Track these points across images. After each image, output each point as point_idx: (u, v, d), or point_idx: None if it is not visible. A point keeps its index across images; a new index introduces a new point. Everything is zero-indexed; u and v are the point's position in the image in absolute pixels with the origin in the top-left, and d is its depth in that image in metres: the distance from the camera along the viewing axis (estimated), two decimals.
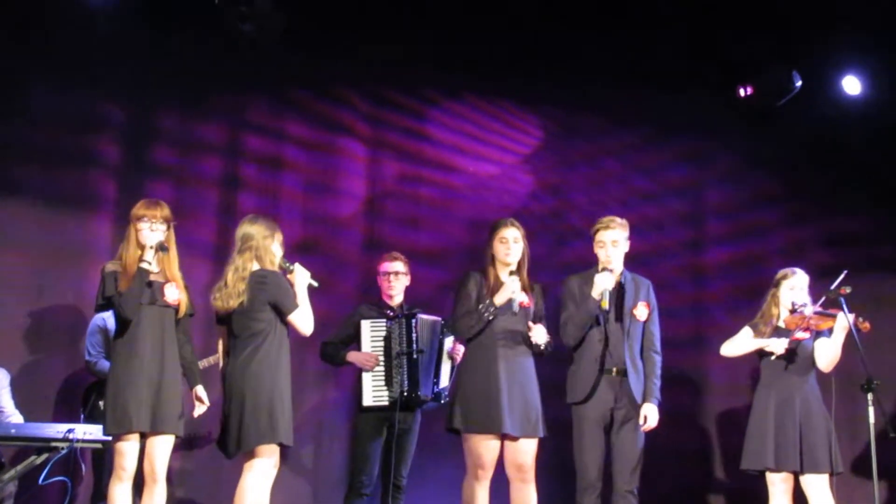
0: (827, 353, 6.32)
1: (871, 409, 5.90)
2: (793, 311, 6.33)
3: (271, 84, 7.91)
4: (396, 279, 6.79)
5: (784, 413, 6.25)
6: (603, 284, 6.02)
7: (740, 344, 6.50)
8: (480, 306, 5.98)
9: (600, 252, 6.19)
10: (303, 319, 5.68)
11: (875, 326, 6.28)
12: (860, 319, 6.19)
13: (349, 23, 7.86)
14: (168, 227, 5.65)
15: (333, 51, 7.86)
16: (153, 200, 5.69)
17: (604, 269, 6.07)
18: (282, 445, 5.63)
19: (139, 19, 7.38)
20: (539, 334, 6.01)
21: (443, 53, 8.04)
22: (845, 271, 6.10)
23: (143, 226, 5.58)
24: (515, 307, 5.96)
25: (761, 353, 6.41)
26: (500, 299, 5.96)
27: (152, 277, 5.59)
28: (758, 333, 6.46)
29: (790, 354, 6.29)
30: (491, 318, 5.97)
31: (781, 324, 6.42)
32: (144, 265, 5.53)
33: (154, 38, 7.45)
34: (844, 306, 6.11)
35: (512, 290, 5.95)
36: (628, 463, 6.06)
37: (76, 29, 7.32)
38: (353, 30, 7.87)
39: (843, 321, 6.16)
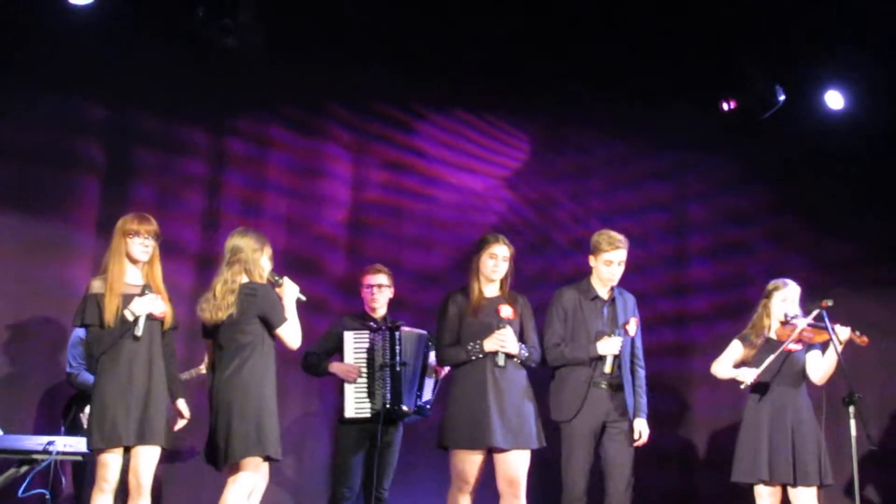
0: (820, 367, 6.34)
1: (852, 423, 5.89)
2: (785, 323, 6.34)
3: (256, 97, 7.90)
4: (380, 292, 6.79)
5: (776, 425, 6.25)
6: (612, 350, 6.11)
7: (723, 370, 6.51)
8: (470, 346, 6.00)
9: (604, 269, 6.25)
10: (291, 333, 5.69)
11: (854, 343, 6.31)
12: (857, 333, 6.20)
13: (334, 37, 7.87)
14: (157, 241, 5.66)
15: (319, 65, 7.86)
16: (143, 215, 5.68)
17: (613, 334, 6.15)
18: (270, 459, 5.62)
19: (122, 29, 7.38)
20: (510, 343, 6.00)
21: (427, 67, 8.05)
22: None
23: (136, 241, 5.58)
24: (501, 361, 5.98)
25: (753, 365, 6.39)
26: (489, 346, 5.98)
27: (133, 291, 5.57)
28: (748, 345, 6.47)
29: (781, 367, 6.29)
30: (475, 358, 5.99)
31: (773, 335, 6.42)
32: (129, 315, 5.49)
33: (137, 49, 7.44)
34: (827, 319, 6.12)
35: (502, 342, 5.96)
36: (623, 476, 6.11)
37: (61, 40, 7.32)
38: (338, 44, 7.88)
39: (840, 334, 6.16)
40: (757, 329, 6.50)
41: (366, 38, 7.90)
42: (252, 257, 5.70)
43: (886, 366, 8.02)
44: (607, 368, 6.12)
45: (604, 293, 6.31)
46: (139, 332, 5.49)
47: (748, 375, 6.27)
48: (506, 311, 6.02)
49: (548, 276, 8.00)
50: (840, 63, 8.17)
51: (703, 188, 8.66)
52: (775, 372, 6.29)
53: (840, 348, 6.16)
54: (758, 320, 6.53)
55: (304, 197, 8.04)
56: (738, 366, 6.47)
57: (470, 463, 5.92)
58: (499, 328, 5.97)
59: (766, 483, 6.24)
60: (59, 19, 7.29)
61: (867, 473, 7.76)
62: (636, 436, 6.17)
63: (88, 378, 6.59)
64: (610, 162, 8.64)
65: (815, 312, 6.19)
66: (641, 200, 8.54)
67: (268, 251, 5.79)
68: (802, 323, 6.22)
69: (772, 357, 6.22)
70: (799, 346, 6.34)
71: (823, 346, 6.32)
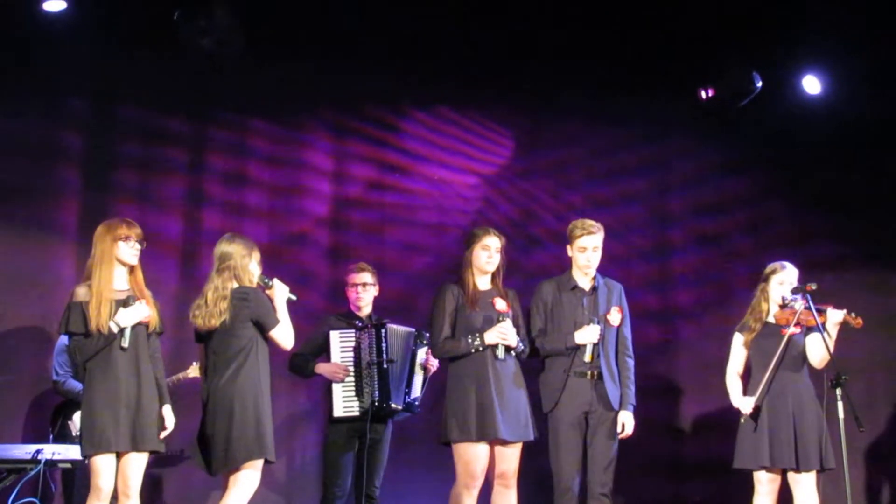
0: (819, 349, 6.27)
1: (840, 405, 5.89)
2: (783, 306, 6.31)
3: (236, 98, 7.89)
4: (365, 290, 6.79)
5: (777, 410, 6.22)
6: (589, 338, 6.13)
7: (731, 383, 6.45)
8: (470, 338, 6.02)
9: (580, 256, 6.27)
10: (284, 334, 5.75)
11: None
12: (852, 315, 6.18)
13: (314, 36, 7.85)
14: (142, 245, 5.65)
15: (299, 64, 7.84)
16: (128, 220, 5.68)
17: (591, 322, 6.15)
18: (267, 462, 5.65)
19: (103, 30, 7.35)
20: (511, 336, 6.05)
21: (407, 64, 8.01)
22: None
23: (128, 244, 5.57)
24: (501, 353, 6.02)
25: (753, 350, 6.39)
26: (491, 338, 6.01)
27: (122, 296, 5.55)
28: (747, 331, 6.41)
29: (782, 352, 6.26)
30: (475, 351, 6.02)
31: (771, 319, 6.39)
32: (114, 327, 5.47)
33: (118, 51, 7.42)
34: (811, 302, 6.12)
35: (504, 335, 6.01)
36: (602, 466, 6.12)
37: (41, 39, 7.28)
38: (318, 42, 7.87)
39: (833, 317, 6.18)
40: (755, 314, 6.45)
41: (346, 36, 7.88)
42: (241, 263, 5.73)
43: (872, 358, 8.05)
44: (587, 357, 6.13)
45: (584, 283, 6.32)
46: (125, 343, 5.47)
47: (746, 406, 6.24)
48: (500, 304, 6.06)
49: (531, 272, 7.97)
50: (816, 48, 8.18)
51: (683, 179, 8.64)
52: (780, 358, 6.26)
53: (835, 331, 6.18)
54: (756, 305, 6.48)
55: (286, 196, 8.02)
56: (746, 363, 6.47)
57: (476, 456, 5.94)
58: (499, 321, 6.01)
59: (768, 469, 6.25)
60: (39, 19, 7.24)
61: (874, 466, 7.92)
62: (619, 428, 6.18)
63: (75, 385, 6.57)
64: (590, 155, 8.61)
65: (799, 296, 6.19)
66: (622, 193, 8.52)
67: (256, 255, 5.82)
68: (800, 306, 6.17)
69: (766, 376, 6.19)
70: (798, 330, 6.31)
71: (823, 329, 6.22)
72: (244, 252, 5.76)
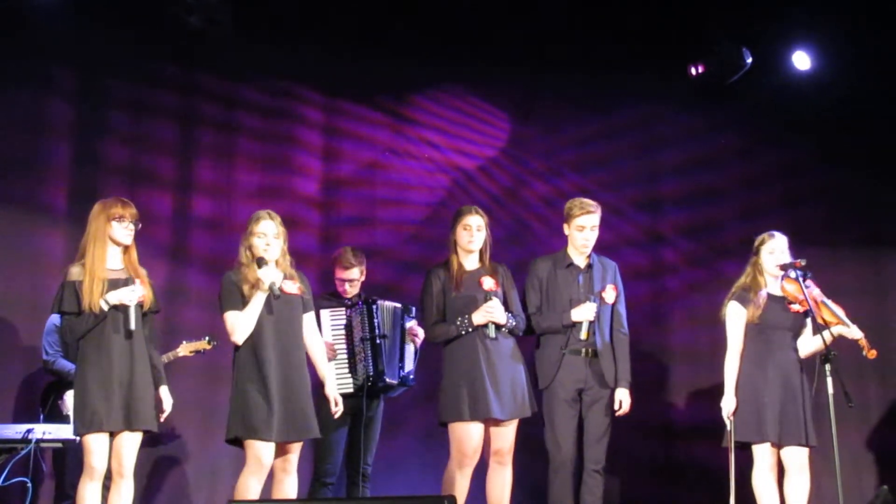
0: (810, 347, 6.26)
1: (829, 381, 5.88)
2: (791, 278, 6.18)
3: (225, 75, 7.88)
4: (353, 286, 6.78)
5: (779, 385, 6.17)
6: (585, 316, 6.15)
7: (730, 369, 6.29)
8: (459, 321, 6.03)
9: (577, 235, 6.28)
10: (230, 322, 5.66)
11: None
12: (868, 343, 6.15)
13: (303, 15, 7.82)
14: (137, 226, 5.64)
15: (286, 42, 7.83)
16: (123, 199, 5.67)
17: (587, 300, 6.17)
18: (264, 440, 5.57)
19: (90, 7, 7.30)
20: (498, 314, 6.03)
21: (395, 44, 7.98)
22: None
23: (122, 224, 5.56)
24: (492, 332, 6.01)
25: (748, 325, 6.30)
26: (478, 319, 6.02)
27: (116, 276, 5.55)
28: (751, 307, 6.27)
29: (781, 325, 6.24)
30: (465, 333, 6.03)
31: (778, 292, 6.28)
32: (104, 305, 5.45)
33: (101, 30, 7.38)
34: (800, 278, 6.09)
35: (491, 314, 6.00)
36: (596, 442, 6.18)
37: (30, 15, 7.22)
38: (306, 22, 7.84)
39: (852, 333, 6.15)
40: (754, 288, 6.30)
41: (337, 15, 7.85)
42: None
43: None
44: (582, 335, 6.16)
45: (580, 261, 6.34)
46: (132, 325, 5.46)
47: (728, 405, 6.16)
48: (488, 282, 6.05)
49: (521, 254, 7.95)
50: (805, 23, 8.17)
51: (676, 162, 8.60)
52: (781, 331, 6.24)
53: (829, 336, 6.10)
54: (751, 281, 6.34)
55: (274, 177, 8.00)
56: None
57: (469, 436, 5.95)
58: (486, 300, 6.02)
59: (773, 444, 6.18)
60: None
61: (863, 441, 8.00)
62: (616, 405, 6.22)
63: (65, 365, 6.58)
64: (581, 140, 8.58)
65: (792, 274, 6.14)
66: (615, 177, 8.48)
67: (253, 228, 5.74)
68: (819, 295, 6.16)
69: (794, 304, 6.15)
70: (799, 309, 6.25)
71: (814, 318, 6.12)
72: (244, 233, 5.79)
